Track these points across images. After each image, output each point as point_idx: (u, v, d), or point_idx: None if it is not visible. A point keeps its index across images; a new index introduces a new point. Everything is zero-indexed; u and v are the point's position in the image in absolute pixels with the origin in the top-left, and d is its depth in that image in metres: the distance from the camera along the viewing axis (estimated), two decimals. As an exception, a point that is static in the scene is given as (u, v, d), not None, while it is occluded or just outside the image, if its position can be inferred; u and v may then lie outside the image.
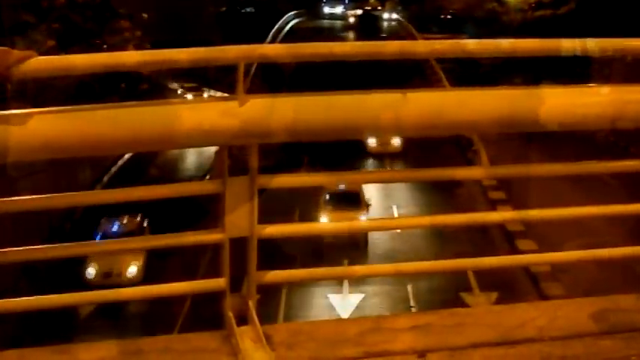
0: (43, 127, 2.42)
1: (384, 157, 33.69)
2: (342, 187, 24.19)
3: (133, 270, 21.53)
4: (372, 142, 32.52)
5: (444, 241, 21.40)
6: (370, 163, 33.51)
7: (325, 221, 22.20)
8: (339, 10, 79.58)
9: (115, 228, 23.27)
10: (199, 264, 17.46)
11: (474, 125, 2.90)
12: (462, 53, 2.88)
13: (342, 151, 22.89)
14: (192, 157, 34.47)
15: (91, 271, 21.27)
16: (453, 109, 2.74)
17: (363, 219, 21.41)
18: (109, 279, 20.90)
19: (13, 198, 2.62)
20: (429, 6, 67.02)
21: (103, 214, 23.35)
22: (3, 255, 2.98)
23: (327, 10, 79.99)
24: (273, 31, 55.23)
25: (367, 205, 25.65)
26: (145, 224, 23.68)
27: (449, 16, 62.79)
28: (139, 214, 23.89)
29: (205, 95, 35.18)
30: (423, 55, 3.12)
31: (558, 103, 2.81)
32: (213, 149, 2.79)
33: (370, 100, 2.73)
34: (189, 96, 37.61)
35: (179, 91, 40.89)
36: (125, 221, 23.41)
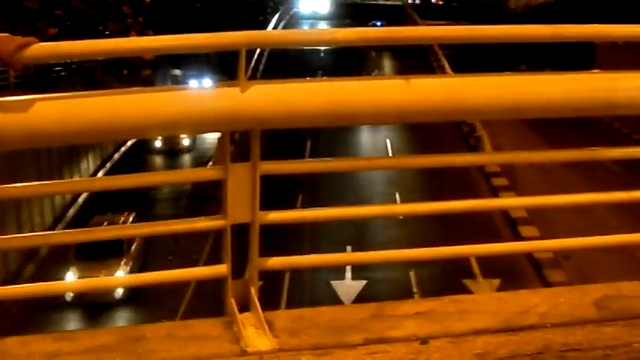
0: (45, 114, 2.41)
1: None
2: None
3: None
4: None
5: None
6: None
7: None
8: (324, 7, 72.20)
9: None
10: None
11: (477, 111, 2.88)
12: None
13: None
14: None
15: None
16: (457, 94, 2.73)
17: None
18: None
19: (15, 185, 2.61)
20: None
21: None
22: (6, 241, 2.99)
23: (307, 8, 72.11)
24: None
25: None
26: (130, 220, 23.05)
27: (453, 3, 62.76)
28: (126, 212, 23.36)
29: (208, 82, 35.12)
30: (428, 41, 3.11)
31: (561, 88, 2.80)
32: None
33: (373, 85, 2.72)
34: (196, 82, 37.48)
35: (182, 78, 40.83)
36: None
